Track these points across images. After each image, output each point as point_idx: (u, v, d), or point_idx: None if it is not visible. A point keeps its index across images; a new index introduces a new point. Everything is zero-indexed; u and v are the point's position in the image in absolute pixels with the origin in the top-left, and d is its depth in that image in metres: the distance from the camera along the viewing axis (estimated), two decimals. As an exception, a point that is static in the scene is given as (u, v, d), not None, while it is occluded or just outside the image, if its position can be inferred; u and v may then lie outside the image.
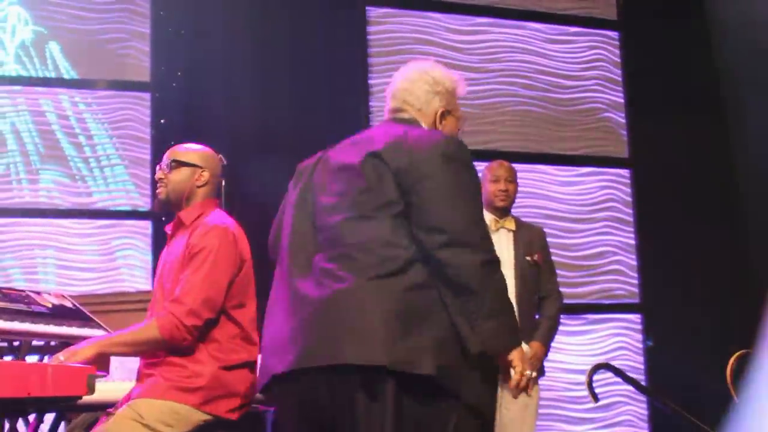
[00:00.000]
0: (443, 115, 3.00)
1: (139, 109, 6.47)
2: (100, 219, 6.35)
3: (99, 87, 6.43)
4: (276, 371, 2.75)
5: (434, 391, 2.61)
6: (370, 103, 6.64)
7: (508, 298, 2.74)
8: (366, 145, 2.82)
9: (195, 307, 3.32)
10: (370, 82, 6.67)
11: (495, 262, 2.70)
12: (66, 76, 6.36)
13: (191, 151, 3.74)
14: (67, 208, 6.29)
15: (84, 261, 6.25)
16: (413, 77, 2.99)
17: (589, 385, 4.85)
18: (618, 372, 5.17)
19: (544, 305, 5.08)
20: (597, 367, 4.91)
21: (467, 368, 2.64)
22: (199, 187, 3.67)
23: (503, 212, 5.06)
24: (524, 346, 4.84)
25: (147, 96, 6.48)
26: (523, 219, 6.69)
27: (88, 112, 6.39)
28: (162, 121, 6.43)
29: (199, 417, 3.31)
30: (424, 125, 2.94)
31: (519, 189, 6.86)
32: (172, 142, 6.15)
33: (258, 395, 3.35)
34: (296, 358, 2.68)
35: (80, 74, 6.40)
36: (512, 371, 2.73)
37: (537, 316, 5.07)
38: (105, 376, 3.73)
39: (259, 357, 3.55)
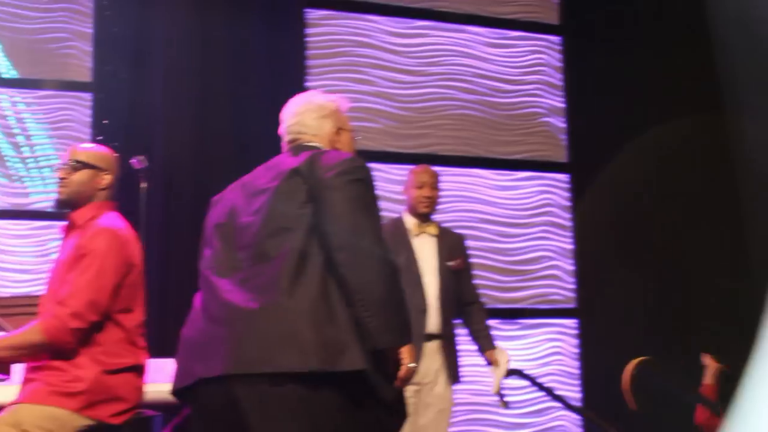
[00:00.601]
0: (339, 134, 3.27)
1: (79, 109, 6.40)
2: (37, 220, 6.29)
3: (40, 87, 6.37)
4: (203, 375, 2.87)
5: (359, 390, 2.82)
6: (308, 106, 6.60)
7: (400, 299, 2.91)
8: (280, 167, 3.06)
9: (79, 309, 3.30)
10: (308, 84, 6.63)
11: (386, 264, 2.89)
12: (6, 76, 6.30)
13: (94, 152, 3.71)
14: (4, 209, 6.23)
15: (20, 262, 6.20)
16: (299, 110, 3.29)
17: (499, 390, 4.85)
18: (530, 379, 5.16)
19: (474, 312, 5.11)
20: (508, 373, 4.91)
21: (373, 366, 2.83)
22: (100, 189, 3.65)
23: (425, 217, 5.06)
24: (501, 348, 4.90)
25: (88, 96, 6.43)
26: (461, 223, 6.75)
27: (28, 112, 6.34)
28: (105, 122, 6.39)
29: (80, 422, 3.29)
30: (323, 147, 3.20)
31: (457, 193, 6.95)
32: (116, 144, 6.28)
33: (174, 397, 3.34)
34: (228, 364, 2.81)
35: (21, 74, 6.34)
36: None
37: (461, 320, 5.08)
38: (6, 379, 3.73)
39: (147, 361, 3.57)
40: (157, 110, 6.38)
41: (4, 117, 6.29)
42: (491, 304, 6.94)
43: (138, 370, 3.48)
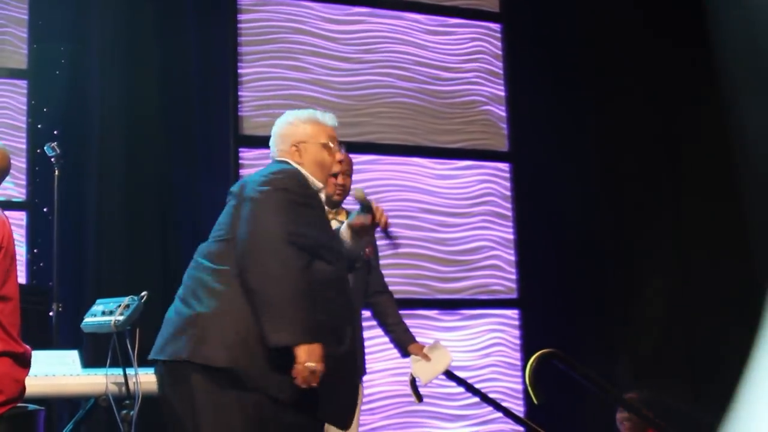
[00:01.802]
0: (297, 147, 3.55)
1: (15, 97, 6.30)
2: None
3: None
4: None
5: (233, 383, 3.13)
6: (240, 93, 6.47)
7: (298, 299, 3.11)
8: None
9: None
10: (240, 71, 6.51)
11: (285, 266, 3.13)
12: (-61, 64, 6.20)
13: None
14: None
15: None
16: (276, 130, 3.65)
17: (412, 384, 4.75)
18: (450, 375, 5.04)
19: (386, 303, 4.88)
20: (447, 374, 4.77)
21: (266, 362, 3.13)
22: None
23: (336, 205, 4.91)
24: (440, 346, 4.75)
25: (24, 84, 6.33)
26: (399, 212, 6.67)
27: (-37, 100, 6.25)
28: (45, 109, 6.30)
29: (-50, 416, 3.19)
30: (291, 162, 3.54)
31: (396, 182, 6.86)
32: (55, 132, 6.21)
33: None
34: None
35: (-45, 61, 6.23)
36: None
37: (370, 311, 4.92)
38: None
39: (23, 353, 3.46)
40: (94, 96, 6.32)
41: (-61, 105, 6.18)
42: (430, 295, 6.87)
43: (17, 360, 3.36)
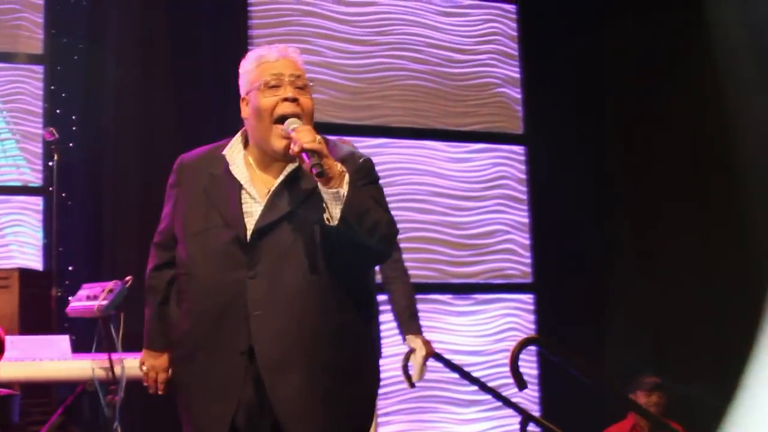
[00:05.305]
0: (245, 101, 2.91)
1: (31, 82, 6.32)
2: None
3: (-10, 60, 6.30)
4: None
5: None
6: (251, 76, 6.47)
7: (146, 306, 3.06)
8: None
9: None
10: (251, 55, 6.50)
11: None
12: (-47, 49, 6.23)
13: None
14: (-46, 182, 6.16)
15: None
16: None
17: (404, 369, 4.70)
18: (443, 360, 4.98)
19: (394, 292, 4.66)
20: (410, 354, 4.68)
21: None
22: None
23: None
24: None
25: (40, 69, 6.35)
26: (412, 196, 6.62)
27: (-23, 85, 6.28)
28: (63, 95, 6.32)
29: None
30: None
31: (409, 166, 6.82)
32: (74, 117, 6.23)
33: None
34: None
35: (-30, 47, 6.26)
36: None
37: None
38: None
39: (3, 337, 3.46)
40: (110, 83, 6.32)
41: (-46, 91, 6.21)
42: (444, 279, 6.83)
43: None
